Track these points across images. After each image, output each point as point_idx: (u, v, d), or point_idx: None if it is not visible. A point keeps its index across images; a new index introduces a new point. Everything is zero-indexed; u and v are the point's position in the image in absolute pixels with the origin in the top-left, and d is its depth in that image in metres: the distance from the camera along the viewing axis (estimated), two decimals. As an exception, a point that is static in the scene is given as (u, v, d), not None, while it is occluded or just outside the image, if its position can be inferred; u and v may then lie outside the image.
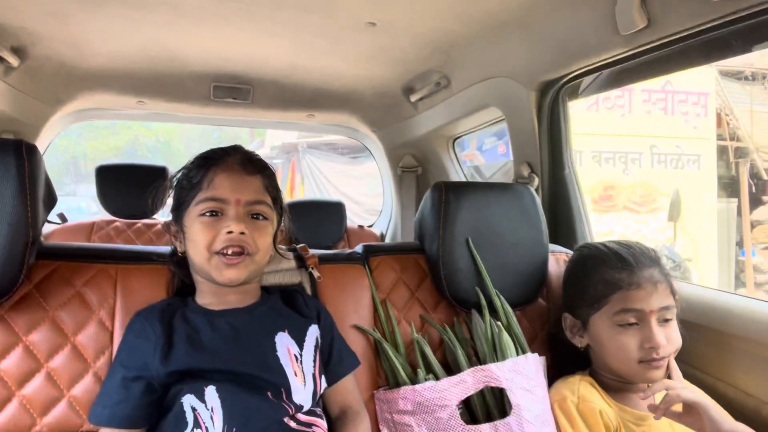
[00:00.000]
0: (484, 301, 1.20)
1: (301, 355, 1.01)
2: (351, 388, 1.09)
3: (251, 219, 0.99)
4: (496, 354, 1.14)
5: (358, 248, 1.31)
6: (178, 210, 1.02)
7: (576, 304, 1.16)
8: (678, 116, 5.25)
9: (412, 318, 1.23)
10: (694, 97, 5.23)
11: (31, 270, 1.02)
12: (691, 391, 1.02)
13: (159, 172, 2.30)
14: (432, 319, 1.24)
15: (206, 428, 0.90)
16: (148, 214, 2.29)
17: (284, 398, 0.95)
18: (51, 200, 1.06)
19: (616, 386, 1.12)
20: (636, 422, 1.08)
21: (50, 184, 1.06)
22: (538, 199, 1.30)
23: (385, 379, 1.17)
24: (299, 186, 8.70)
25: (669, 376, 1.09)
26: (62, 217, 2.38)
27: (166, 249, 1.17)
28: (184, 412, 0.91)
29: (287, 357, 0.99)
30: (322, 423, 1.00)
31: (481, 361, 1.17)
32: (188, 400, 0.92)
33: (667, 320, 1.08)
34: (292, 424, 0.94)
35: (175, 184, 1.05)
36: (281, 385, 0.95)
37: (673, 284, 1.11)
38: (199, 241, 0.97)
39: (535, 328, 1.31)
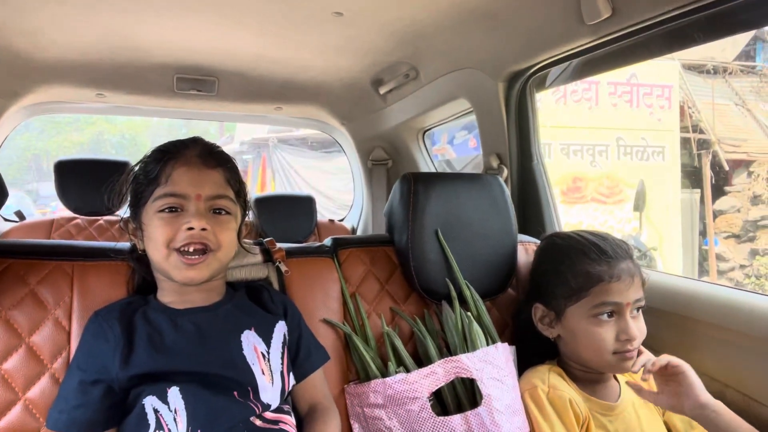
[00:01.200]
0: (454, 293, 1.20)
1: (268, 353, 0.98)
2: (320, 383, 1.07)
3: (213, 214, 0.94)
4: (467, 345, 1.14)
5: (327, 241, 1.29)
6: (136, 206, 0.98)
7: (550, 295, 1.14)
8: (643, 109, 5.35)
9: (383, 311, 1.21)
10: (658, 90, 5.33)
11: (-20, 269, 0.98)
12: (682, 362, 1.04)
13: (121, 167, 2.22)
14: (402, 311, 1.23)
15: (168, 430, 0.87)
16: (110, 210, 2.23)
17: (251, 397, 0.92)
18: (1, 195, 1.01)
19: (584, 377, 1.13)
20: (603, 412, 1.09)
21: (0, 179, 1.01)
22: (507, 190, 1.30)
23: (356, 373, 1.15)
24: (270, 182, 8.61)
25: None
26: (20, 215, 2.30)
27: (125, 245, 1.13)
28: (145, 414, 0.88)
29: (254, 355, 0.96)
30: (290, 419, 0.97)
31: (451, 352, 1.16)
32: (150, 402, 0.88)
33: (638, 310, 1.10)
34: (259, 422, 0.92)
35: (131, 178, 0.99)
36: (248, 383, 0.93)
37: (643, 276, 1.12)
38: (157, 238, 0.92)
39: (505, 318, 1.31)
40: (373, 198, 2.57)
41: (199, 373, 0.90)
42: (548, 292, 1.15)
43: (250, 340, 0.97)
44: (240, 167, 1.06)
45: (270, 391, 0.94)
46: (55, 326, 1.00)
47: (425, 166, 2.41)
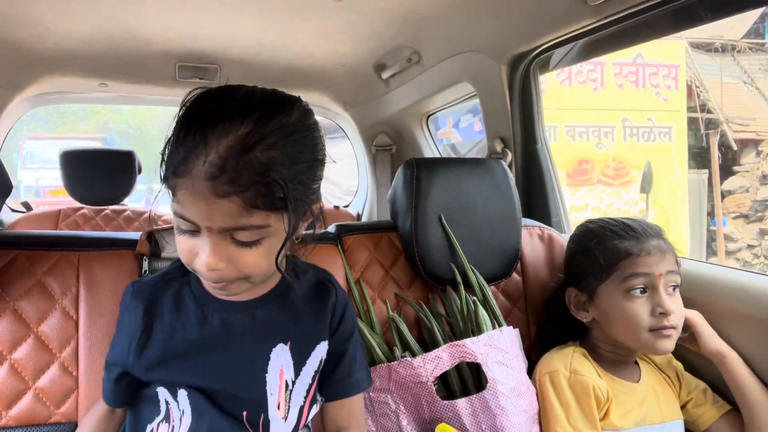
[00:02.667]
0: (459, 277, 1.20)
1: (293, 383, 0.86)
2: (355, 410, 0.93)
3: (235, 242, 0.72)
4: (473, 329, 1.14)
5: (331, 228, 1.29)
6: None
7: (581, 277, 1.14)
8: (649, 89, 5.30)
9: (387, 296, 1.22)
10: (664, 70, 5.27)
11: (-12, 260, 0.99)
12: (693, 313, 1.12)
13: (125, 158, 2.24)
14: (407, 296, 1.23)
15: (173, 427, 0.83)
16: (116, 200, 2.24)
17: (261, 427, 0.83)
18: (5, 187, 1.02)
19: (610, 358, 1.13)
20: (626, 392, 1.09)
21: (4, 171, 1.01)
22: (511, 174, 1.29)
23: (361, 358, 1.15)
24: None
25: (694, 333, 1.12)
26: (27, 206, 2.31)
27: (131, 234, 1.14)
28: (158, 401, 0.84)
29: (276, 383, 0.84)
30: None
31: (457, 336, 1.16)
32: (162, 394, 0.84)
33: (674, 288, 1.08)
34: None
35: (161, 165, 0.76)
36: (260, 411, 0.83)
37: (677, 255, 1.11)
38: (179, 253, 0.77)
39: (510, 302, 1.31)
40: (377, 184, 2.57)
41: (210, 386, 0.82)
42: (580, 274, 1.15)
43: (279, 360, 0.84)
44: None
45: (281, 426, 0.84)
46: (63, 316, 1.01)
47: (429, 151, 2.40)
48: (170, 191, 0.72)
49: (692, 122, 6.32)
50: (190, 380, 0.82)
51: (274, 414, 0.83)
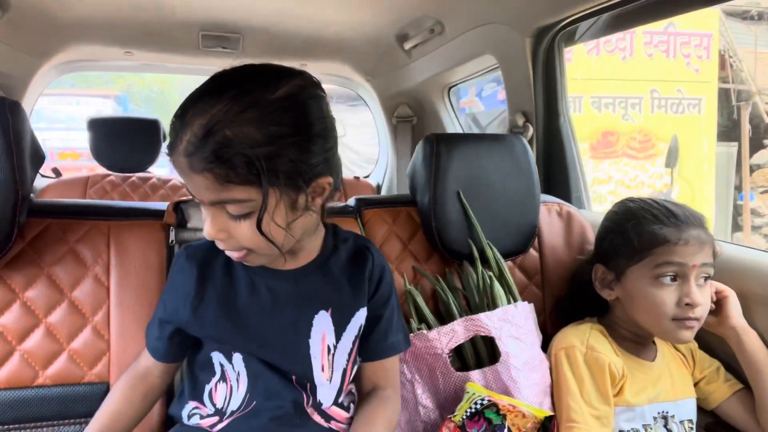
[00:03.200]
0: (476, 253, 1.22)
1: (335, 347, 0.90)
2: (390, 370, 0.97)
3: (229, 217, 0.77)
4: (488, 303, 1.17)
5: (351, 201, 1.31)
6: None
7: (612, 256, 1.12)
8: (680, 59, 5.15)
9: (405, 270, 1.24)
10: (696, 39, 5.11)
11: (23, 228, 1.03)
12: (728, 288, 1.12)
13: (151, 126, 2.28)
14: (425, 270, 1.25)
15: (231, 387, 0.88)
16: (142, 167, 2.29)
17: (308, 389, 0.89)
18: (38, 158, 1.06)
19: (630, 338, 1.13)
20: (641, 370, 1.11)
21: (36, 141, 1.05)
22: (530, 150, 1.29)
23: (379, 329, 1.19)
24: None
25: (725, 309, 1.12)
26: (56, 172, 2.37)
27: (159, 205, 1.17)
28: (212, 363, 0.89)
29: (319, 347, 0.89)
30: (343, 415, 0.93)
31: (472, 310, 1.19)
32: (217, 357, 0.89)
33: (705, 279, 1.07)
34: (314, 415, 0.89)
35: None
36: (305, 377, 0.89)
37: (714, 245, 1.09)
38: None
39: (527, 278, 1.33)
40: (398, 155, 2.57)
41: (260, 350, 0.87)
42: (611, 252, 1.13)
43: (321, 326, 0.89)
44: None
45: (326, 389, 0.90)
46: (95, 282, 1.06)
47: (450, 123, 2.39)
48: None
49: (723, 94, 6.14)
50: (241, 343, 0.87)
51: (319, 376, 0.89)
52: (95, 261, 1.07)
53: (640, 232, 1.07)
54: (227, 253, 0.82)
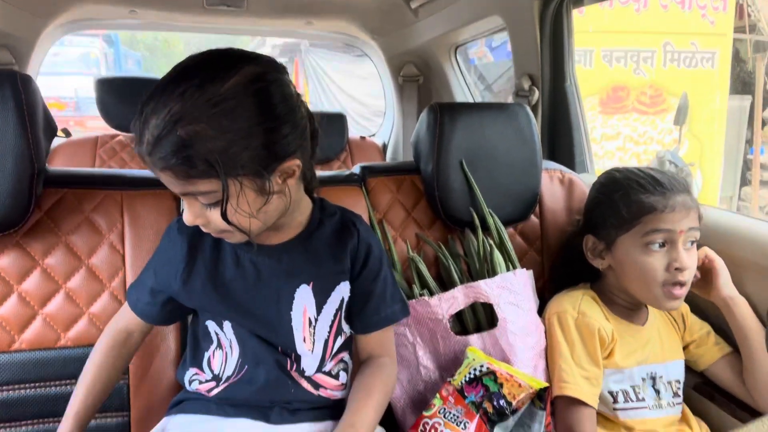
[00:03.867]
0: (477, 221, 1.25)
1: (316, 320, 0.94)
2: (385, 340, 1.01)
3: (201, 205, 0.81)
4: (488, 270, 1.21)
5: (356, 169, 1.34)
6: None
7: (602, 226, 1.15)
8: (695, 11, 4.99)
9: (408, 237, 1.28)
10: (714, -10, 4.95)
11: (40, 198, 1.07)
12: (717, 256, 1.15)
13: (158, 85, 2.28)
14: (427, 237, 1.29)
15: (226, 354, 0.94)
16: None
17: (293, 357, 0.94)
18: (51, 129, 1.09)
19: (622, 304, 1.17)
20: (631, 334, 1.15)
21: (48, 113, 1.07)
22: (534, 119, 1.31)
23: (382, 293, 1.23)
24: (304, 89, 8.53)
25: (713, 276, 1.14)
26: (66, 132, 2.40)
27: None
28: (209, 331, 0.95)
29: (300, 319, 0.93)
30: (332, 382, 0.97)
31: (473, 276, 1.23)
32: (211, 326, 0.95)
33: (692, 243, 1.10)
34: (301, 380, 0.94)
35: None
36: (288, 347, 0.93)
37: (700, 209, 1.12)
38: None
39: (527, 244, 1.37)
40: (403, 115, 2.57)
41: (246, 321, 0.92)
42: (600, 222, 1.16)
43: (302, 300, 0.93)
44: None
45: (309, 358, 0.94)
46: (111, 250, 1.11)
47: (457, 83, 2.37)
48: None
49: (739, 46, 5.97)
50: (229, 313, 0.93)
51: (301, 346, 0.93)
52: (110, 229, 1.11)
53: (628, 202, 1.10)
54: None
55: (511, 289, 1.14)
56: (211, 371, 0.95)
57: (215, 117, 0.74)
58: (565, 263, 1.30)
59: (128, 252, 1.11)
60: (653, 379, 1.15)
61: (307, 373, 0.94)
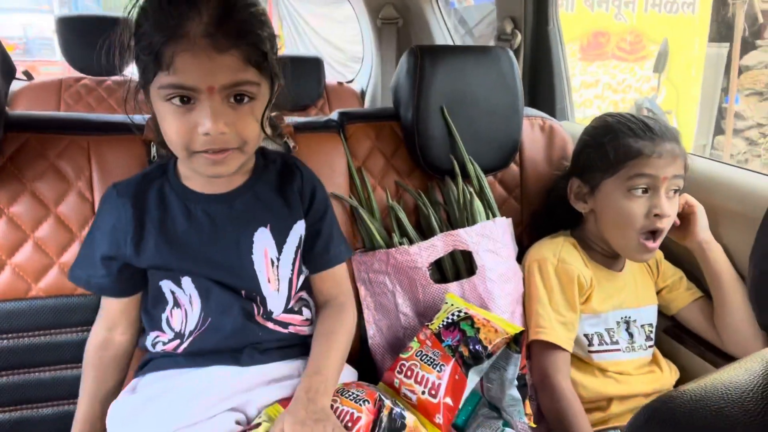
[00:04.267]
0: (457, 168, 1.23)
1: (278, 259, 0.94)
2: (338, 279, 1.02)
3: (231, 105, 0.79)
4: (467, 218, 1.20)
5: (334, 115, 1.30)
6: (142, 73, 0.81)
7: (588, 169, 1.16)
8: (679, -47, 4.90)
9: (388, 185, 1.26)
10: (699, -68, 4.84)
11: (1, 144, 1.02)
12: (696, 201, 1.16)
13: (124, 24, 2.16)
14: (407, 185, 1.27)
15: (185, 310, 0.92)
16: (117, 70, 2.20)
17: (258, 301, 0.93)
18: (9, 71, 1.02)
19: (601, 251, 1.19)
20: (608, 279, 1.18)
21: (6, 54, 1.01)
22: (516, 63, 1.27)
23: (362, 242, 1.23)
24: (278, 32, 8.22)
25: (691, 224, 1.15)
26: (27, 75, 2.28)
27: (138, 118, 1.15)
28: (163, 293, 0.92)
29: (262, 261, 0.93)
30: (299, 318, 0.98)
31: (453, 225, 1.23)
32: (167, 286, 0.92)
33: (675, 192, 1.10)
34: (268, 323, 0.94)
35: (132, 35, 0.80)
36: (253, 290, 0.93)
37: (686, 159, 1.12)
38: (172, 138, 0.80)
39: (507, 192, 1.36)
40: (382, 60, 2.50)
41: (207, 272, 0.91)
42: (587, 165, 1.16)
43: (261, 243, 0.92)
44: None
45: (275, 299, 0.94)
46: (79, 198, 1.06)
47: (437, 26, 2.30)
48: (161, 65, 0.75)
49: (720, -9, 5.91)
50: (188, 267, 0.90)
51: (267, 288, 0.93)
52: (77, 177, 1.07)
53: (617, 145, 1.11)
54: (205, 162, 0.82)
55: (490, 237, 1.14)
56: (172, 330, 0.93)
57: (256, 11, 0.79)
58: (548, 209, 1.30)
59: (98, 199, 1.07)
60: (627, 323, 1.18)
61: (274, 315, 0.95)
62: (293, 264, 0.96)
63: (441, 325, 1.03)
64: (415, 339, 1.05)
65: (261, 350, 0.93)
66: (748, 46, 6.65)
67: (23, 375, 1.06)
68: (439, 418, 0.93)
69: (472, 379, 0.98)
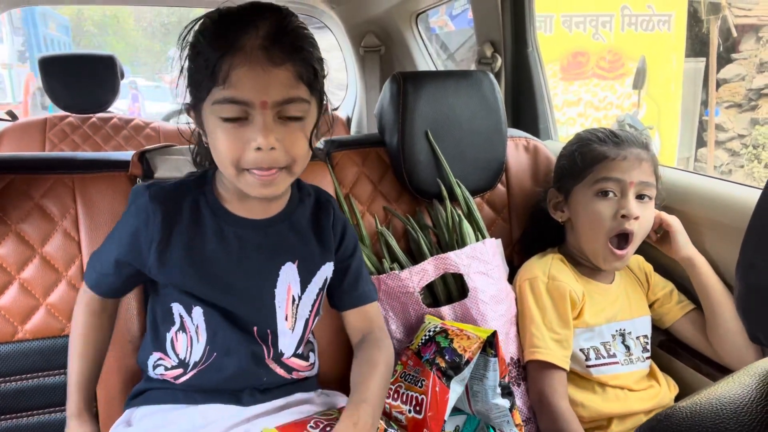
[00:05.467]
0: (444, 192, 1.24)
1: (300, 298, 0.92)
2: (371, 316, 0.99)
3: (282, 122, 0.78)
4: (457, 240, 1.20)
5: (320, 144, 1.30)
6: (195, 96, 0.82)
7: (561, 178, 1.20)
8: (652, -27, 5.04)
9: (376, 210, 1.26)
10: (669, -48, 4.99)
11: (-15, 186, 1.01)
12: (673, 219, 1.16)
13: (106, 62, 2.18)
14: (395, 210, 1.28)
15: (191, 338, 0.89)
16: (101, 107, 2.21)
17: (270, 340, 0.91)
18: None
19: (586, 264, 1.20)
20: (600, 293, 1.18)
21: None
22: (498, 86, 1.29)
23: (352, 269, 1.22)
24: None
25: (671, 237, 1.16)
26: (12, 115, 2.28)
27: (123, 155, 1.15)
28: (173, 313, 0.89)
29: (284, 297, 0.90)
30: (304, 364, 0.96)
31: (442, 247, 1.23)
32: (177, 309, 0.89)
33: (645, 197, 1.12)
34: (273, 365, 0.92)
35: (187, 53, 0.81)
36: (268, 326, 0.90)
37: (657, 166, 1.15)
38: (223, 154, 0.79)
39: (495, 212, 1.37)
40: (366, 87, 2.53)
41: (222, 300, 0.87)
42: (560, 175, 1.22)
43: (287, 277, 0.90)
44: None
45: (288, 338, 0.92)
46: (65, 237, 1.06)
47: (419, 52, 2.34)
48: (216, 79, 0.76)
49: (693, 8, 6.07)
50: (204, 292, 0.87)
51: (282, 326, 0.91)
52: (63, 215, 1.06)
53: (583, 151, 1.16)
54: (254, 180, 0.80)
55: (480, 259, 1.14)
56: (177, 355, 0.90)
57: (307, 30, 0.82)
58: (533, 226, 1.32)
59: (84, 238, 1.06)
60: (623, 335, 1.18)
61: (284, 356, 0.92)
62: (313, 305, 0.94)
63: (420, 344, 1.04)
64: (399, 362, 1.06)
65: (262, 390, 0.91)
66: (724, 60, 6.81)
67: (11, 420, 1.03)
68: (427, 432, 0.93)
69: (456, 390, 0.97)
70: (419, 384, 0.98)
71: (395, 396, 1.01)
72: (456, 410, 1.03)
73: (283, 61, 0.76)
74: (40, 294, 1.04)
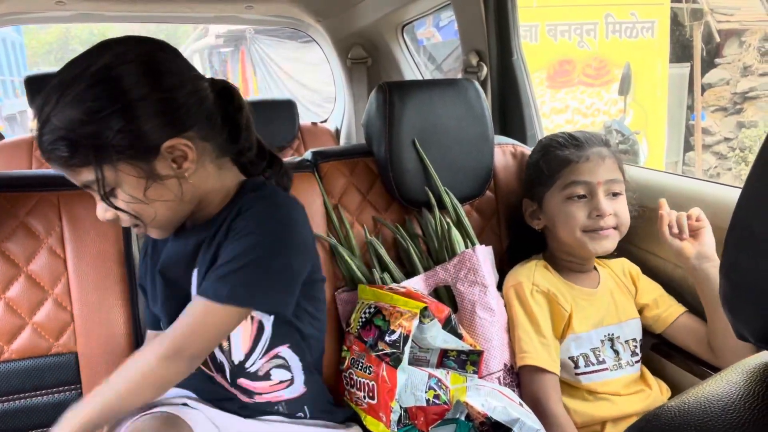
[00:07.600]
0: (433, 200, 1.24)
1: None
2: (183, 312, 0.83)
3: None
4: (447, 248, 1.20)
5: (307, 155, 1.30)
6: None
7: (532, 187, 1.22)
8: (634, -19, 5.12)
9: (365, 221, 1.26)
10: (650, -40, 5.07)
11: (-31, 205, 1.00)
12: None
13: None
14: (384, 219, 1.27)
15: None
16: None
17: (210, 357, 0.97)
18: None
19: (569, 267, 1.20)
20: (585, 298, 1.18)
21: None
22: (483, 94, 1.30)
23: (344, 280, 1.21)
24: (252, 78, 8.33)
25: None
26: (-3, 134, 2.27)
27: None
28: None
29: None
30: (261, 385, 0.95)
31: (432, 255, 1.23)
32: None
33: (615, 194, 1.15)
34: (232, 389, 0.96)
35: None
36: None
37: (621, 161, 1.18)
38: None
39: (484, 220, 1.37)
40: (354, 98, 2.53)
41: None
42: (530, 184, 1.24)
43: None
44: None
45: (221, 355, 0.95)
46: (50, 255, 1.05)
47: (406, 63, 2.35)
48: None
49: (676, 14, 6.15)
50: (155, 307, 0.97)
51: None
52: (48, 233, 1.05)
53: (548, 159, 1.19)
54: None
55: (470, 268, 1.14)
56: None
57: (81, 101, 0.74)
58: (515, 234, 1.33)
59: (70, 256, 1.05)
60: (611, 340, 1.17)
61: (228, 376, 0.93)
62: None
63: (358, 327, 1.06)
64: (344, 348, 1.08)
65: (245, 416, 0.92)
66: (708, 65, 6.89)
67: (-2, 442, 1.02)
68: (383, 417, 0.97)
69: (405, 368, 0.98)
70: (368, 371, 1.01)
71: (352, 383, 1.04)
72: (446, 420, 1.03)
73: (48, 159, 0.79)
74: (26, 313, 1.03)
